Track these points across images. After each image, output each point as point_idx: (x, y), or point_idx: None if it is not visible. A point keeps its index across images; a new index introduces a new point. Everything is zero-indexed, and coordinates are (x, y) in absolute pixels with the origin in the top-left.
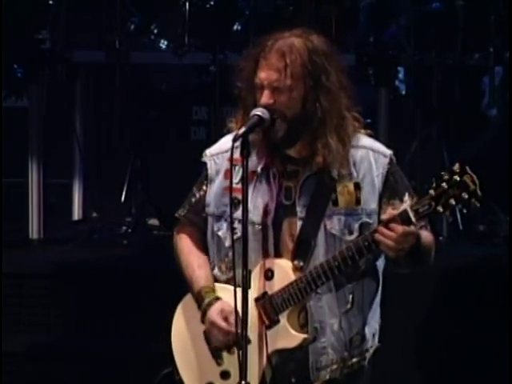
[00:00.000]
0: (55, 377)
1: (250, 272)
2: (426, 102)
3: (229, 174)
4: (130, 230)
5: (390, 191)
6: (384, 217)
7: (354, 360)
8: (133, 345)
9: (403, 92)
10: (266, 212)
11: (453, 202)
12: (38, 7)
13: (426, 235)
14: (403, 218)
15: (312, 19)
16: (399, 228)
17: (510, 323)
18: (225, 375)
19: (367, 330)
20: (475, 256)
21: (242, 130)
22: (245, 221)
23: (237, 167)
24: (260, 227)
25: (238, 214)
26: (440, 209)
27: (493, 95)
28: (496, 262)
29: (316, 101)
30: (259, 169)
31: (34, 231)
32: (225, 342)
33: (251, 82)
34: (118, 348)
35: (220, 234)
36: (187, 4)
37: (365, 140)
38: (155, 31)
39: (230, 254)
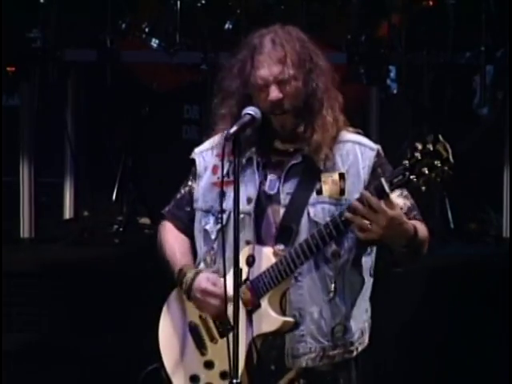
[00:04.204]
0: (46, 375)
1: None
2: (418, 100)
3: (216, 170)
4: (121, 229)
5: None
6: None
7: (337, 351)
8: (125, 343)
9: (395, 91)
10: (248, 201)
11: (426, 170)
12: (29, 6)
13: (422, 229)
14: (378, 190)
15: (303, 17)
16: (372, 201)
17: (506, 322)
18: (208, 365)
19: (351, 323)
20: (466, 255)
21: (234, 128)
22: (236, 216)
23: (224, 161)
24: (242, 216)
25: (225, 205)
26: (413, 178)
27: (484, 94)
28: (487, 261)
29: (314, 82)
30: (244, 160)
31: (25, 230)
32: (221, 308)
33: (245, 85)
34: (110, 346)
35: (207, 227)
36: (178, 3)
37: (352, 135)
38: (146, 30)
39: (215, 245)
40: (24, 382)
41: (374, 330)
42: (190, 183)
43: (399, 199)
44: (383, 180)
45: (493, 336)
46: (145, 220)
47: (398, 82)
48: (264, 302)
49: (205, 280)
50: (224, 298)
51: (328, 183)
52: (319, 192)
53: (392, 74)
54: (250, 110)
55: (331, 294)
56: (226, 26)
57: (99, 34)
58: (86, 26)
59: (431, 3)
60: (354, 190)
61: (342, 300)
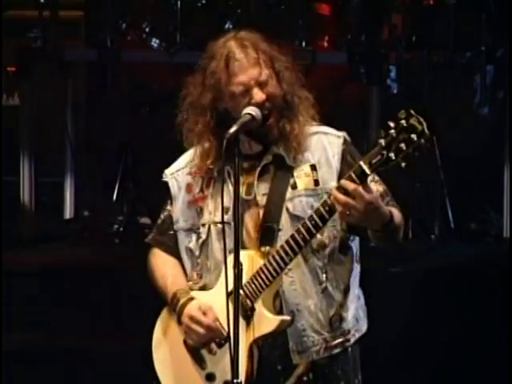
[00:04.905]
0: (46, 375)
1: (219, 270)
2: (418, 100)
3: (191, 188)
4: (121, 229)
5: (350, 169)
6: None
7: (337, 341)
8: (124, 344)
9: (395, 91)
10: (225, 210)
11: (403, 146)
12: (29, 6)
13: (397, 215)
14: (357, 173)
15: (304, 17)
16: (349, 188)
17: (506, 322)
18: (210, 377)
19: (346, 312)
20: (466, 255)
21: (233, 128)
22: (237, 222)
23: (196, 178)
24: (221, 226)
25: (203, 219)
26: (392, 156)
27: (484, 94)
28: (488, 261)
29: (286, 79)
30: (215, 173)
31: (25, 229)
32: (205, 337)
33: (220, 97)
34: (109, 347)
35: (191, 245)
36: (178, 3)
37: (317, 127)
38: (146, 30)
39: (200, 260)
40: (24, 382)
41: (374, 330)
42: (168, 207)
43: (371, 185)
44: (362, 162)
45: (493, 336)
46: (145, 220)
47: (398, 82)
48: (258, 305)
49: (196, 308)
50: (209, 330)
51: (301, 177)
52: (294, 187)
53: (392, 74)
54: (250, 110)
55: (323, 284)
56: (226, 26)
57: (99, 33)
58: (87, 26)
59: (431, 3)
60: (328, 178)
61: (335, 289)
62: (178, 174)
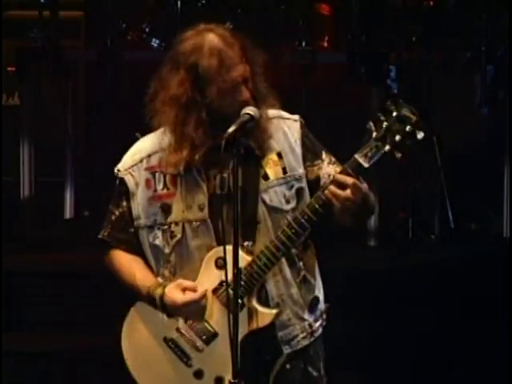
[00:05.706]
0: (46, 375)
1: (196, 267)
2: (418, 100)
3: (150, 183)
4: None
5: (311, 153)
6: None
7: (319, 323)
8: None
9: (395, 91)
10: (200, 208)
11: (398, 137)
12: (29, 6)
13: (372, 196)
14: (353, 167)
15: (304, 17)
16: (350, 182)
17: (506, 322)
18: (198, 375)
19: (319, 293)
20: (466, 255)
21: (232, 128)
22: (236, 217)
23: (157, 174)
24: (198, 223)
25: (171, 217)
26: (387, 148)
27: (484, 94)
28: (488, 261)
29: (257, 71)
30: (181, 169)
31: (25, 230)
32: (199, 311)
33: (204, 94)
34: (109, 347)
35: (157, 242)
36: (178, 3)
37: (272, 111)
38: (146, 30)
39: (172, 258)
40: (24, 382)
41: (373, 329)
42: (124, 203)
43: (329, 167)
44: (357, 156)
45: (493, 336)
46: None
47: (398, 82)
48: (248, 301)
49: (173, 292)
50: (200, 297)
51: (270, 166)
52: (266, 177)
53: (392, 74)
54: (250, 110)
55: (302, 272)
56: (226, 26)
57: (99, 33)
58: (87, 26)
59: (431, 3)
60: (295, 165)
61: (309, 273)
62: (134, 169)
